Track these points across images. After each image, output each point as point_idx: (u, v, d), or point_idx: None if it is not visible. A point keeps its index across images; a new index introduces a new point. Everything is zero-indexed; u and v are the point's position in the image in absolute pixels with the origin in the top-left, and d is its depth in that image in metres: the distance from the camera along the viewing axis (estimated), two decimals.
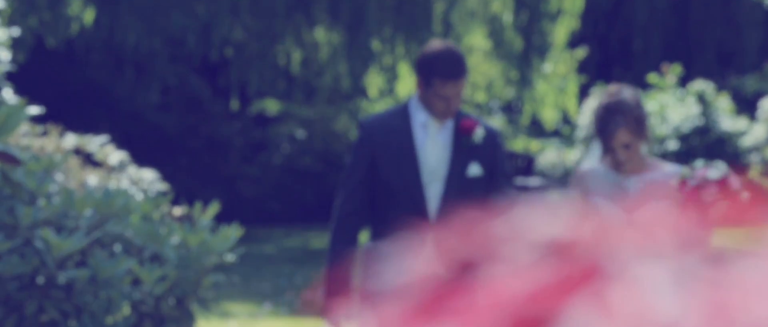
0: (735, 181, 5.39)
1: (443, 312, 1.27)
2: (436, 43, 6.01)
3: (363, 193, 6.01)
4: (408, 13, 19.82)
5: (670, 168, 5.72)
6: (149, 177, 7.76)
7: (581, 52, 22.88)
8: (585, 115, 19.66)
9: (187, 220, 7.24)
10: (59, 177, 7.03)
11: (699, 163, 5.48)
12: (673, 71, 19.03)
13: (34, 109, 6.28)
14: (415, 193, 5.96)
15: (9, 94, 7.53)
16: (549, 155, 21.97)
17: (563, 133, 25.22)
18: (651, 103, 18.48)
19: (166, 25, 19.24)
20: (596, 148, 5.98)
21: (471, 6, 20.70)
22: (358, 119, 21.94)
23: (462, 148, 6.01)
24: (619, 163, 5.64)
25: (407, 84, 21.16)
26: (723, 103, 18.90)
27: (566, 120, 24.96)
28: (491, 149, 6.06)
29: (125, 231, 6.86)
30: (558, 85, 21.82)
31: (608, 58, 27.88)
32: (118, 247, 6.86)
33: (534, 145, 24.41)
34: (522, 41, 20.77)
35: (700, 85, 18.85)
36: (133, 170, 7.77)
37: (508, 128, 25.16)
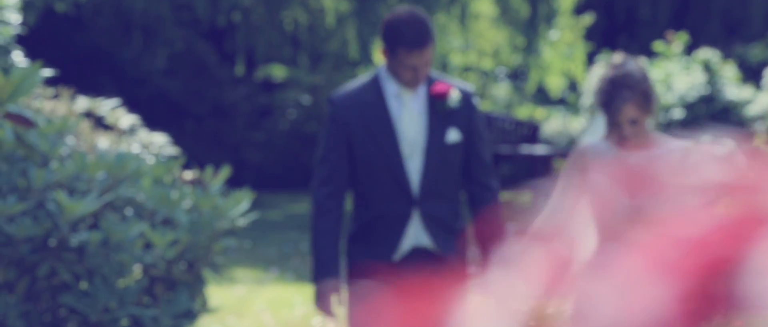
0: (742, 158, 4.97)
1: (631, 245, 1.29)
2: (400, 10, 5.74)
3: (341, 172, 5.80)
4: None
5: (675, 144, 5.47)
6: (160, 141, 7.76)
7: (588, 19, 22.86)
8: (590, 83, 19.67)
9: (198, 184, 7.25)
10: (70, 140, 7.04)
11: (706, 138, 5.27)
12: (679, 39, 19.01)
13: (48, 72, 6.30)
14: (395, 168, 5.75)
15: (19, 58, 7.55)
16: (554, 123, 21.98)
17: (569, 101, 25.23)
18: (657, 72, 18.48)
19: None
20: (599, 122, 5.76)
21: None
22: None
23: (438, 114, 5.78)
24: (624, 138, 5.37)
25: None
26: (728, 72, 18.91)
27: (572, 87, 24.97)
28: (467, 112, 5.83)
29: (137, 195, 6.88)
30: (564, 53, 21.83)
31: (614, 26, 27.86)
32: (129, 211, 6.88)
33: (539, 112, 24.40)
34: (529, 8, 20.77)
35: (706, 53, 18.84)
36: (144, 134, 7.78)
37: (514, 95, 25.16)
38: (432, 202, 5.77)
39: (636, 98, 5.30)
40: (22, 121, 5.40)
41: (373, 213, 5.79)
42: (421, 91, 5.77)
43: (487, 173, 5.89)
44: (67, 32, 20.37)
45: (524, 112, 24.58)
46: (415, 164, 5.75)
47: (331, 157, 5.77)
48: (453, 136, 5.76)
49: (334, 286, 5.74)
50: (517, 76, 25.92)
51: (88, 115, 7.60)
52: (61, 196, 6.37)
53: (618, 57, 5.59)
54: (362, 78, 5.95)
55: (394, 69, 5.69)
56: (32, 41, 10.26)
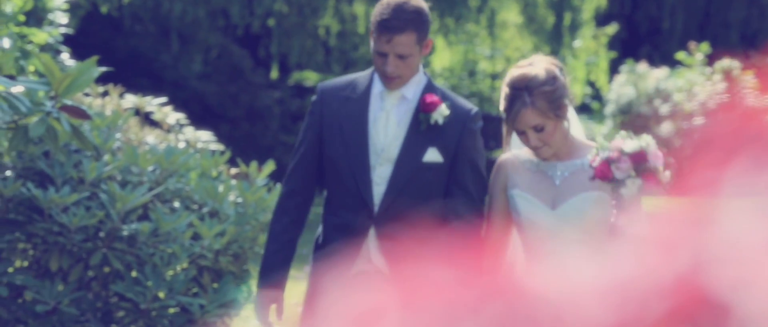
0: (655, 155, 4.53)
1: None
2: None
3: (307, 169, 5.17)
4: None
5: None
6: (205, 137, 7.94)
7: (611, 29, 23.02)
8: (614, 92, 19.89)
9: (243, 178, 7.40)
10: (119, 135, 7.24)
11: (621, 134, 4.64)
12: (700, 49, 19.16)
13: (101, 69, 6.52)
14: (359, 175, 5.07)
15: (65, 57, 7.76)
16: (579, 129, 22.18)
17: (593, 108, 25.40)
18: (679, 80, 18.69)
19: None
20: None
21: None
22: None
23: (419, 127, 5.06)
24: (534, 149, 4.78)
25: (442, 58, 21.30)
26: (748, 81, 19.04)
27: (596, 96, 25.15)
28: (458, 132, 5.07)
29: (185, 187, 7.06)
30: (586, 61, 21.99)
31: (637, 36, 28.02)
32: (177, 203, 7.05)
33: None
34: (554, 17, 20.91)
35: (726, 63, 18.99)
36: (189, 131, 7.95)
37: None
38: (394, 221, 5.04)
39: (537, 102, 4.69)
40: (78, 113, 5.53)
41: (334, 221, 5.17)
42: (412, 99, 5.10)
43: (469, 206, 5.08)
44: (107, 36, 20.60)
45: None
46: (382, 176, 5.08)
47: (300, 152, 5.20)
48: (432, 155, 5.07)
49: (273, 296, 5.21)
50: None
51: (136, 112, 7.79)
52: (114, 187, 6.56)
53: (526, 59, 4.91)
54: (363, 72, 5.31)
55: (373, 58, 5.11)
56: (74, 44, 10.50)
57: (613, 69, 22.20)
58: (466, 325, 1.56)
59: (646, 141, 4.54)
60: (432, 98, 5.05)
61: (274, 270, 5.21)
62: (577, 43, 21.63)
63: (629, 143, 4.53)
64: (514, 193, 4.86)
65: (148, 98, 7.81)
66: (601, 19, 24.27)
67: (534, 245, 4.84)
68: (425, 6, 5.10)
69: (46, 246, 6.62)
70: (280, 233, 5.20)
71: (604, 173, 4.55)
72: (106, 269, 6.72)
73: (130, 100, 7.74)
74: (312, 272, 5.24)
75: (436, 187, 5.08)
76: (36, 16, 7.59)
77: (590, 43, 22.03)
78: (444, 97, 5.11)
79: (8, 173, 6.67)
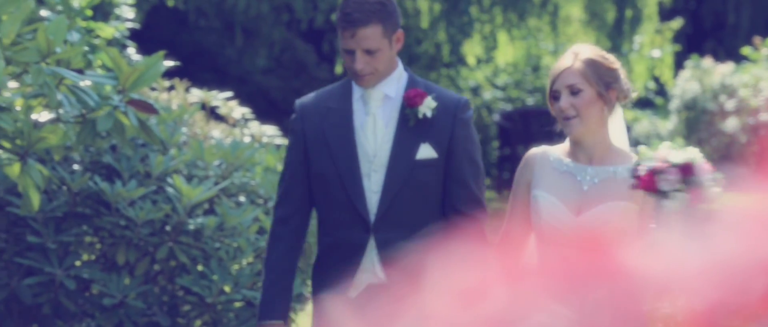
0: (704, 170, 4.24)
1: None
2: None
3: (297, 192, 4.93)
4: None
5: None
6: (270, 132, 7.97)
7: (676, 24, 22.85)
8: (678, 88, 19.78)
9: None
10: (185, 129, 7.28)
11: (664, 145, 4.35)
12: (766, 45, 18.99)
13: (168, 63, 6.53)
14: (350, 186, 4.84)
15: (131, 51, 7.81)
16: (644, 124, 22.05)
17: (657, 103, 25.25)
18: (744, 76, 18.54)
19: None
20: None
21: None
22: (456, 86, 22.05)
23: (408, 124, 4.85)
24: (564, 118, 4.59)
25: (506, 53, 21.24)
26: None
27: (660, 91, 25.01)
28: (449, 124, 4.86)
29: (250, 181, 7.09)
30: (648, 56, 21.85)
31: (701, 31, 27.84)
32: (243, 197, 7.08)
33: (626, 113, 24.40)
34: (615, 12, 20.79)
35: None
36: (255, 125, 7.98)
37: None
38: (393, 230, 4.84)
39: (582, 66, 4.56)
40: (145, 107, 5.54)
41: (329, 240, 4.94)
42: (396, 97, 4.89)
43: (471, 201, 4.88)
44: (172, 31, 20.74)
45: None
46: (375, 183, 4.85)
47: (287, 175, 4.97)
48: (425, 151, 4.85)
49: None
50: None
51: (202, 106, 7.83)
52: (180, 181, 6.59)
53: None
54: (341, 81, 5.07)
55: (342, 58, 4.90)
56: (140, 38, 10.56)
57: (678, 64, 22.04)
58: (574, 303, 1.56)
59: (693, 153, 4.28)
60: (416, 92, 4.84)
61: (274, 301, 4.95)
62: (639, 38, 21.50)
63: (676, 154, 4.26)
64: (537, 193, 4.63)
65: (214, 93, 7.84)
66: (666, 14, 24.11)
67: (550, 251, 4.60)
68: None
69: (113, 239, 6.66)
70: (277, 262, 4.97)
71: (650, 184, 4.25)
72: (172, 263, 6.76)
73: (196, 94, 7.79)
74: (314, 300, 5.00)
75: (434, 187, 4.88)
76: (103, 11, 7.63)
77: (654, 38, 21.89)
78: (428, 90, 4.90)
79: (76, 167, 6.72)
